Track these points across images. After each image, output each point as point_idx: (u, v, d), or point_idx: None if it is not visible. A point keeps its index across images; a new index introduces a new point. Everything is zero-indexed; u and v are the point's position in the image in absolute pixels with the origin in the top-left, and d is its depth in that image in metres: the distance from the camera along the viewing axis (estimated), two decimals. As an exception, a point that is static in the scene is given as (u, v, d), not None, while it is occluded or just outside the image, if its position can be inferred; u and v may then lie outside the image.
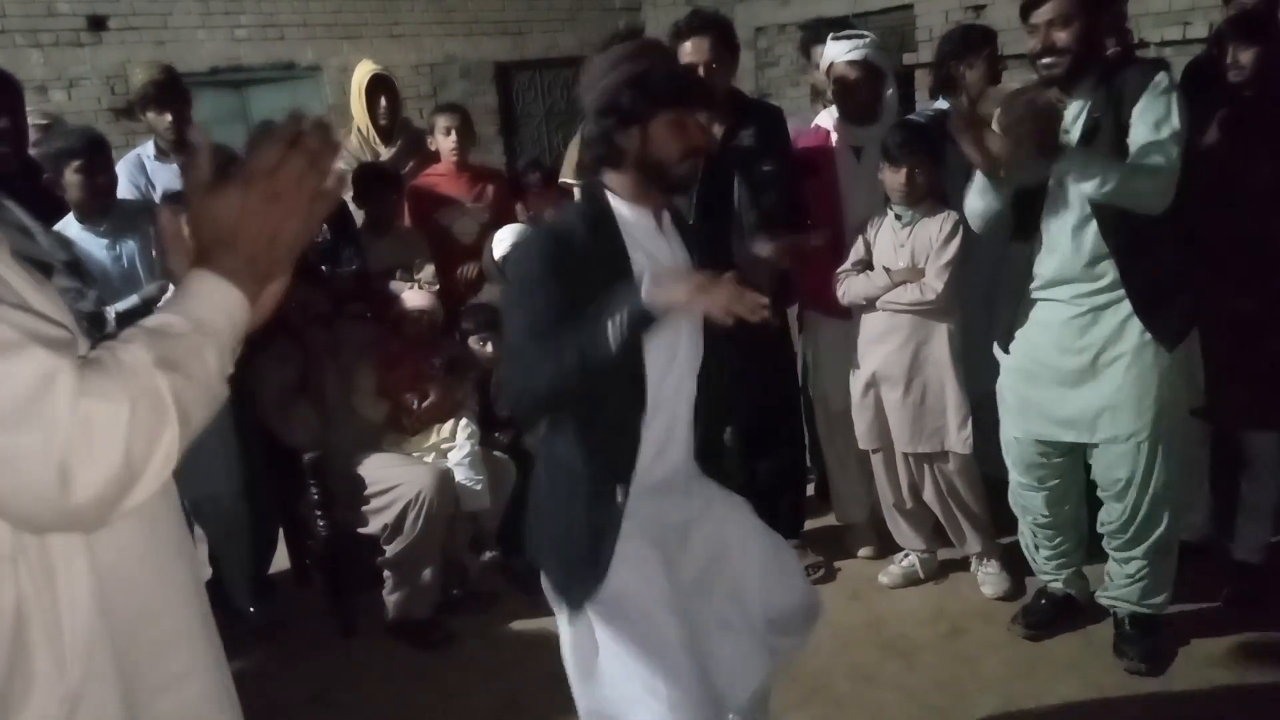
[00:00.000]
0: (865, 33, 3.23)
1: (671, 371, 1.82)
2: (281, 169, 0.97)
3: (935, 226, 2.91)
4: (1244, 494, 2.95)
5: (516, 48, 7.60)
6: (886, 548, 3.35)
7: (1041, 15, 2.34)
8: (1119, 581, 2.67)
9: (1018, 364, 2.64)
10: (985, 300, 2.78)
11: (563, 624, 1.86)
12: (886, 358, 3.01)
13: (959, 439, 3.00)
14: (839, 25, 3.64)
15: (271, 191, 0.97)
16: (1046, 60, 2.37)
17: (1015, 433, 2.71)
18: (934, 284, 2.88)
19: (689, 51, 2.85)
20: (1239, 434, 2.93)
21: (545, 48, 7.69)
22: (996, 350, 2.69)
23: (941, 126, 3.20)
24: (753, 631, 1.92)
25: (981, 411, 3.08)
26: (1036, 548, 2.84)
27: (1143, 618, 2.68)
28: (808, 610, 2.02)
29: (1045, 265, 2.51)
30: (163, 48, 6.08)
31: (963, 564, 3.25)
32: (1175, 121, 2.28)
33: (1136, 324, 2.42)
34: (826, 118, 3.32)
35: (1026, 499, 2.77)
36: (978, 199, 2.54)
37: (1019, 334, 2.62)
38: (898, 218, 2.97)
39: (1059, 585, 2.88)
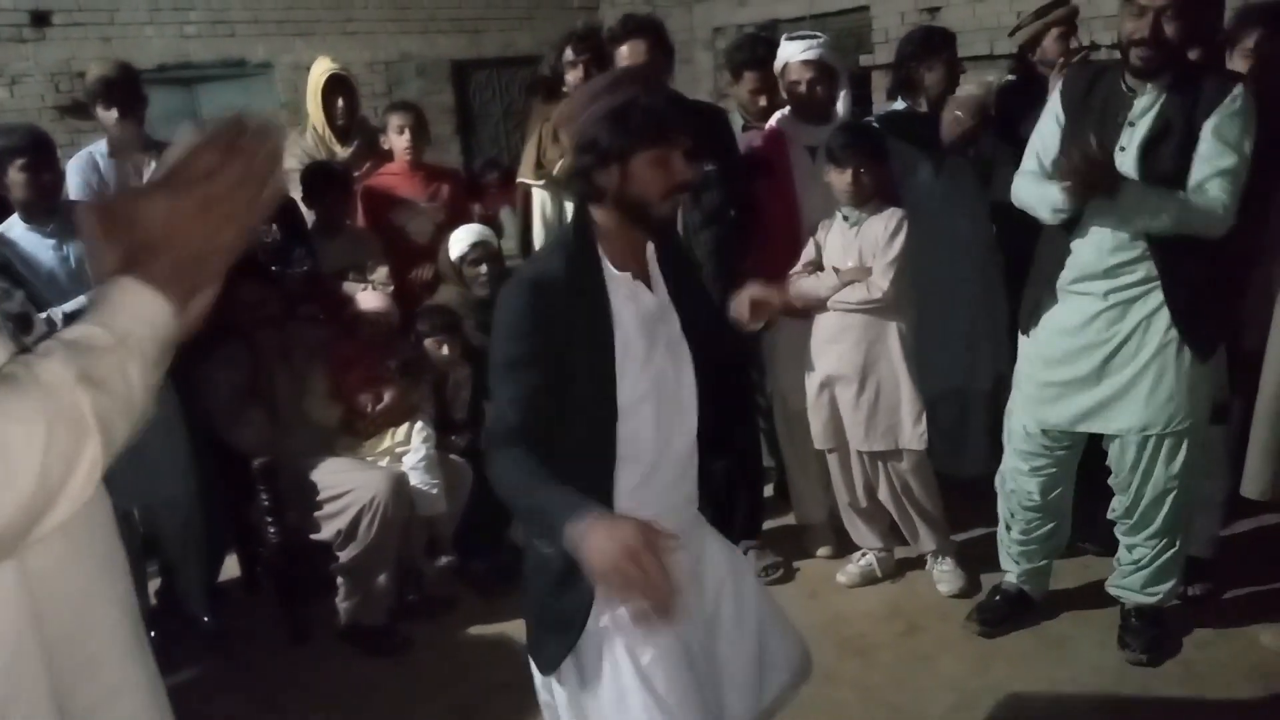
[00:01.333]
0: (817, 33, 3.25)
1: (654, 372, 1.73)
2: (217, 174, 0.92)
3: (880, 225, 2.93)
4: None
5: (473, 46, 7.54)
6: (845, 547, 3.36)
7: (1155, 0, 2.26)
8: (1124, 569, 2.72)
9: (1040, 351, 2.65)
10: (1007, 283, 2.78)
11: (555, 686, 1.76)
12: (840, 357, 3.02)
13: (913, 436, 3.02)
14: (795, 26, 3.66)
15: (206, 197, 0.92)
16: (1144, 51, 2.29)
17: (1025, 419, 2.71)
18: (880, 282, 2.90)
19: (625, 55, 2.86)
20: None
21: (502, 46, 7.64)
22: (1021, 336, 2.71)
23: (893, 126, 3.23)
24: (748, 685, 1.87)
25: (936, 409, 3.11)
26: (1009, 529, 2.87)
27: (1146, 609, 2.71)
28: (798, 665, 1.96)
29: (1080, 257, 2.51)
30: (109, 44, 5.94)
31: (918, 562, 3.27)
32: (1246, 147, 2.27)
33: (1162, 321, 2.44)
34: (781, 119, 3.33)
35: (1019, 482, 2.79)
36: (1051, 214, 2.50)
37: (1044, 320, 2.62)
38: (845, 219, 2.99)
39: (1013, 581, 2.91)
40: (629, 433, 1.70)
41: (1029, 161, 2.62)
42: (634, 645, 1.67)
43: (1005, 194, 3.25)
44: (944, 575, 3.14)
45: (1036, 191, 2.53)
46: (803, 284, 3.01)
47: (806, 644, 2.01)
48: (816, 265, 3.05)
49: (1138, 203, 2.31)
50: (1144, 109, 2.37)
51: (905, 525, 3.18)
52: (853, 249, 2.97)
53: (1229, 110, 2.28)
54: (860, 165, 2.87)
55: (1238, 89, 2.30)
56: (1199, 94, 2.30)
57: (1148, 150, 2.36)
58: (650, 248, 1.79)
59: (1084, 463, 2.76)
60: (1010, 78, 3.86)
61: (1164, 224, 2.31)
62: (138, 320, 0.90)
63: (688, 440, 1.82)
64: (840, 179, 2.92)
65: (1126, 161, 2.38)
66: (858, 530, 3.25)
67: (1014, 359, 2.80)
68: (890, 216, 2.93)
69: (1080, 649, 2.78)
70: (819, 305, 3.01)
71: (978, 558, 3.18)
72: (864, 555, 3.26)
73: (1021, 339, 2.71)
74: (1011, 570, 2.90)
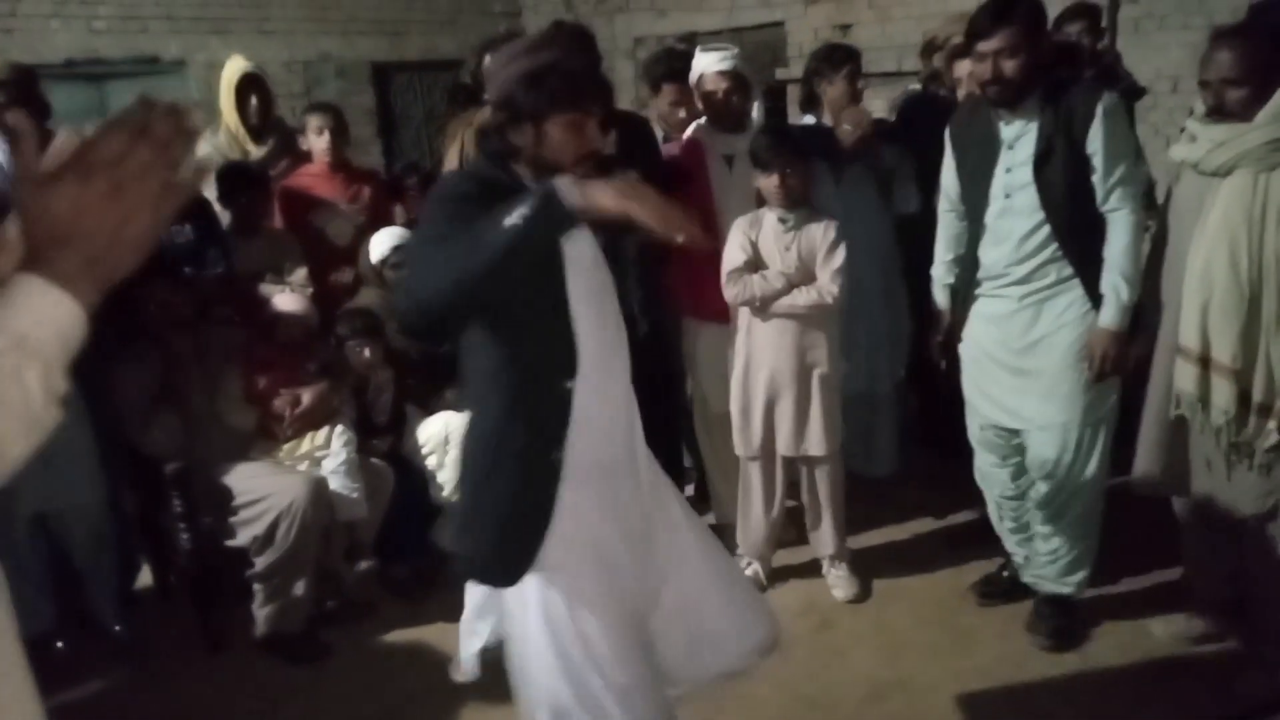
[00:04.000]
0: (729, 45, 3.34)
1: (603, 339, 1.79)
2: (126, 159, 0.86)
3: (819, 232, 2.97)
4: None
5: (394, 48, 7.47)
6: (762, 546, 3.43)
7: (989, 46, 2.47)
8: (1040, 559, 2.84)
9: (969, 352, 2.82)
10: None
11: (509, 612, 1.83)
12: (777, 364, 3.03)
13: (832, 441, 3.09)
14: (713, 38, 3.75)
15: (114, 184, 0.85)
16: (992, 90, 2.51)
17: (975, 419, 2.87)
18: (831, 288, 2.93)
19: None
20: None
21: (424, 49, 7.59)
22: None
23: (811, 137, 3.33)
24: (698, 635, 1.94)
25: (844, 411, 3.20)
26: (1000, 519, 2.99)
27: (1059, 598, 2.85)
28: (754, 628, 2.03)
29: (991, 262, 2.68)
30: (11, 36, 5.73)
31: (816, 565, 3.33)
32: (1127, 146, 2.52)
33: (1072, 318, 2.58)
34: (698, 128, 3.40)
35: (990, 475, 2.91)
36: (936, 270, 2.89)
37: (971, 322, 2.79)
38: (782, 221, 2.99)
39: (1020, 561, 3.01)
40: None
41: (941, 200, 2.87)
42: (575, 588, 1.75)
43: (906, 205, 3.41)
44: (839, 580, 3.21)
45: (940, 248, 2.90)
46: (750, 283, 2.98)
47: (774, 618, 2.08)
48: (754, 265, 3.03)
49: (1130, 305, 2.53)
50: (1018, 133, 2.56)
51: (813, 527, 3.24)
52: (790, 253, 2.99)
53: (1100, 122, 2.45)
54: (786, 167, 2.91)
55: (1105, 97, 2.48)
56: (1072, 109, 2.49)
57: (1038, 170, 2.52)
58: None
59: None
60: (915, 87, 4.01)
61: (1137, 275, 2.53)
62: (39, 322, 0.83)
63: (624, 376, 1.86)
64: (768, 182, 2.94)
65: (1015, 180, 2.57)
66: (755, 540, 3.25)
67: (913, 362, 2.95)
68: (829, 227, 2.97)
69: (985, 640, 2.90)
70: (763, 307, 3.00)
71: (869, 564, 3.30)
72: (750, 565, 3.29)
73: (962, 348, 2.86)
74: (1016, 554, 3.01)
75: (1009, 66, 2.46)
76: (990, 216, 2.65)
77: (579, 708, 1.74)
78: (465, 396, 1.87)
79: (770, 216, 3.03)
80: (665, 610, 1.92)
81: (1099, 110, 2.45)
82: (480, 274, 1.54)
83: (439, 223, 1.66)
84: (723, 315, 3.26)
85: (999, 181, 2.60)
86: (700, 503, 3.75)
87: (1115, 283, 2.51)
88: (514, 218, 1.51)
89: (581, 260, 1.77)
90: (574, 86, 1.73)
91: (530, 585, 1.76)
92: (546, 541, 1.75)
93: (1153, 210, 2.85)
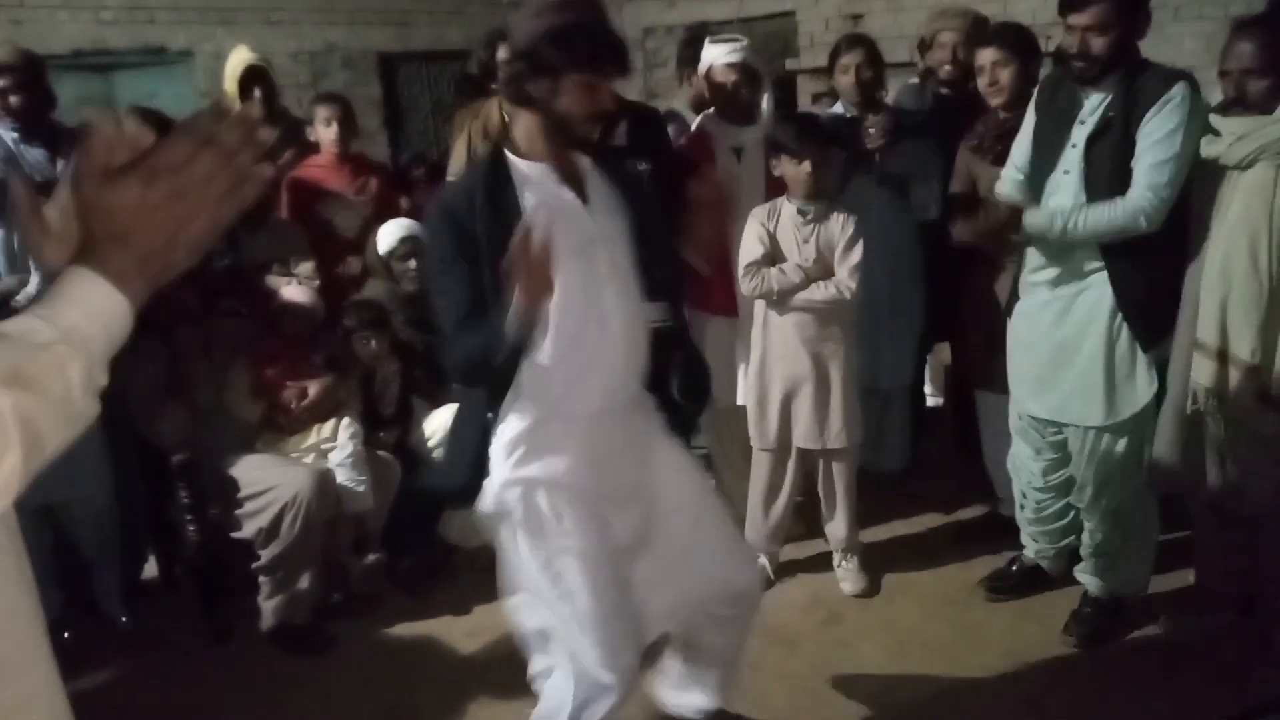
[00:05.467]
0: (740, 36, 3.31)
1: (594, 294, 1.89)
2: (191, 165, 0.88)
3: (838, 225, 2.93)
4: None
5: (401, 39, 7.44)
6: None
7: (1080, 20, 2.41)
8: (1086, 555, 2.83)
9: (1014, 340, 2.80)
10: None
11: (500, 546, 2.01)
12: (795, 358, 3.00)
13: (854, 432, 3.07)
14: (723, 28, 3.72)
15: (177, 188, 0.87)
16: (1078, 64, 2.46)
17: (1015, 408, 2.85)
18: (849, 282, 2.90)
19: None
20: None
21: (431, 40, 7.56)
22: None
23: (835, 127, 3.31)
24: (684, 576, 2.05)
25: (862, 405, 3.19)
26: (1023, 509, 2.97)
27: (1101, 599, 2.82)
28: (743, 584, 2.15)
29: (1032, 250, 2.66)
30: (19, 27, 5.71)
31: (824, 559, 3.32)
32: (1177, 141, 2.35)
33: (1106, 312, 2.54)
34: (706, 120, 3.38)
35: (1024, 465, 2.90)
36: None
37: (1016, 311, 2.77)
38: (801, 212, 2.95)
39: (1030, 556, 3.01)
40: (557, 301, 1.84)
41: (1007, 167, 2.77)
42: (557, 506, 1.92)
43: (925, 211, 3.35)
44: (848, 574, 3.19)
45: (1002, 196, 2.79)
46: (768, 276, 2.95)
47: (759, 568, 2.23)
48: (771, 258, 2.99)
49: (1045, 225, 2.48)
50: (1092, 108, 2.50)
51: (828, 519, 3.23)
52: (809, 245, 2.95)
53: (1164, 108, 2.37)
54: (816, 154, 2.87)
55: (1177, 87, 2.39)
56: (1140, 94, 2.41)
57: (1089, 147, 2.48)
58: (588, 169, 1.96)
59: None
60: (913, 81, 3.92)
61: (1079, 234, 2.45)
62: (88, 316, 0.85)
63: (623, 330, 1.94)
64: (797, 170, 2.89)
65: (1073, 157, 2.52)
66: (767, 532, 3.23)
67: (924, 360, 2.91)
68: (847, 221, 2.93)
69: (993, 635, 2.88)
70: (780, 301, 2.98)
71: (880, 559, 3.29)
72: (759, 557, 3.28)
73: (1008, 329, 2.84)
74: (1029, 547, 3.00)
75: (1097, 43, 2.40)
76: (1046, 192, 2.60)
77: (554, 630, 1.98)
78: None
79: (789, 207, 2.98)
80: (656, 553, 2.04)
81: (1165, 98, 2.37)
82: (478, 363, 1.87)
83: (445, 247, 1.89)
84: (729, 309, 3.24)
85: (1064, 156, 2.55)
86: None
87: (1070, 209, 2.46)
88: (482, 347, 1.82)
89: (561, 213, 1.86)
90: (595, 49, 1.82)
91: (516, 518, 1.93)
92: (535, 479, 1.92)
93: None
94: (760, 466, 3.21)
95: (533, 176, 1.89)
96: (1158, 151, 2.38)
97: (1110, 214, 2.41)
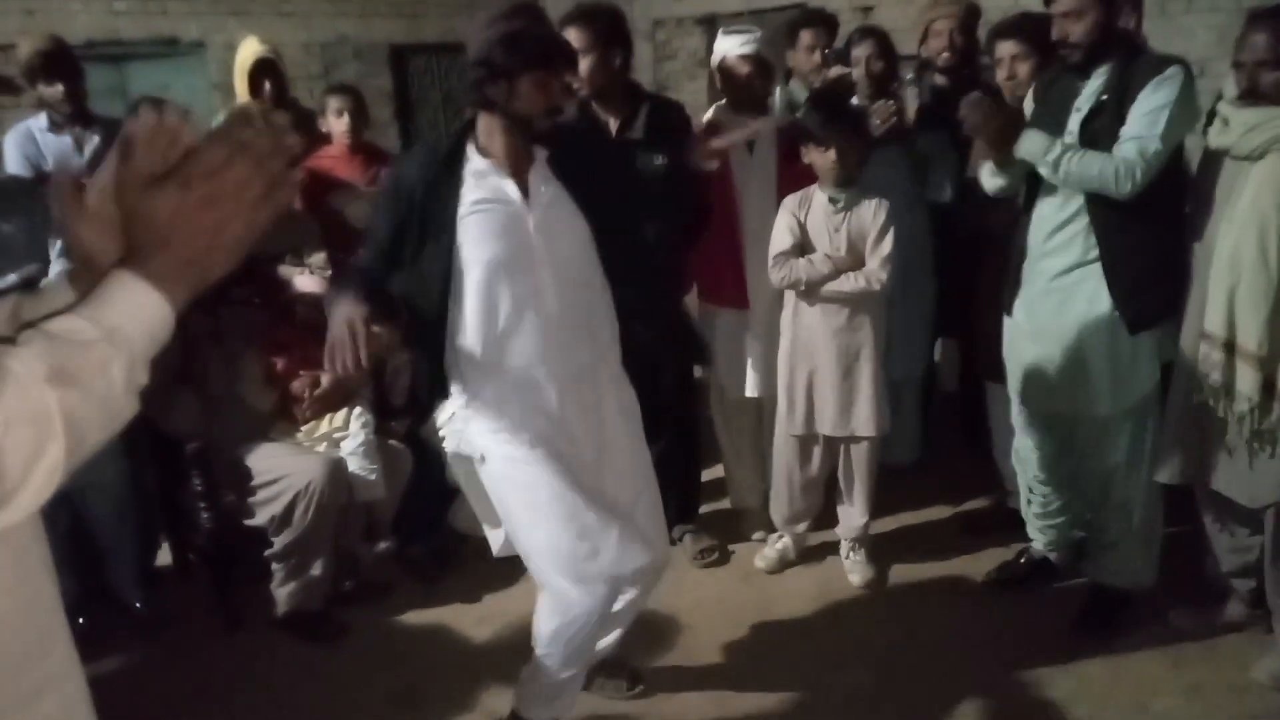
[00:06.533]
0: (753, 27, 3.31)
1: (518, 287, 2.11)
2: (225, 171, 0.90)
3: (869, 213, 2.91)
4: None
5: (412, 30, 7.46)
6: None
7: (1058, 7, 2.46)
8: (1092, 547, 2.84)
9: (1014, 332, 2.79)
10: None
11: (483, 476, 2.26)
12: (824, 346, 3.00)
13: (880, 421, 3.07)
14: (733, 20, 3.73)
15: (213, 193, 0.90)
16: (1063, 50, 2.50)
17: (1016, 399, 2.85)
18: (880, 274, 2.88)
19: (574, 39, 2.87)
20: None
21: (442, 32, 7.56)
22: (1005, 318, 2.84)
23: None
24: (629, 533, 2.20)
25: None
26: (1029, 502, 2.98)
27: (1109, 593, 2.83)
28: (658, 560, 2.29)
29: (1029, 242, 2.66)
30: (32, 18, 5.75)
31: (833, 548, 3.34)
32: (1166, 115, 2.35)
33: (1103, 301, 2.54)
34: (718, 111, 3.37)
35: (1028, 457, 2.90)
36: (989, 180, 2.74)
37: (1015, 304, 2.76)
38: (832, 201, 2.94)
39: (1039, 548, 3.02)
40: (480, 283, 2.11)
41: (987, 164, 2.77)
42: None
43: (940, 193, 3.35)
44: (856, 565, 3.20)
45: (988, 170, 2.76)
46: (796, 266, 2.94)
47: (667, 550, 2.42)
48: (802, 247, 2.98)
49: (1033, 147, 2.48)
50: (1089, 95, 2.51)
51: (846, 503, 3.23)
52: (840, 234, 2.93)
53: (1157, 85, 2.38)
54: (843, 141, 2.85)
55: (1172, 68, 2.40)
56: (1133, 77, 2.43)
57: (1083, 129, 2.48)
58: (538, 163, 2.14)
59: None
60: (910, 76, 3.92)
61: (1063, 172, 2.45)
62: (130, 317, 0.88)
63: (562, 319, 2.15)
64: (824, 159, 2.87)
65: (1071, 140, 2.52)
66: (790, 512, 3.26)
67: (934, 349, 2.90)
68: (880, 207, 2.91)
69: (1000, 627, 2.89)
70: (809, 290, 2.97)
71: (886, 550, 3.29)
72: (780, 539, 3.31)
73: (1005, 321, 2.83)
74: (1037, 540, 3.01)
75: (1075, 29, 2.44)
76: (1040, 187, 2.61)
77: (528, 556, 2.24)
78: None
79: (820, 196, 2.97)
80: (611, 506, 2.22)
81: (1160, 77, 2.38)
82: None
83: (389, 194, 2.23)
84: (739, 302, 3.24)
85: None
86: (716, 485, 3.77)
87: (1063, 146, 2.46)
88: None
89: (486, 182, 2.10)
90: (545, 49, 2.03)
91: (493, 465, 2.19)
92: (507, 431, 2.17)
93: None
94: (787, 451, 3.20)
95: (482, 170, 2.11)
96: (1142, 122, 2.39)
97: (1101, 164, 2.40)
